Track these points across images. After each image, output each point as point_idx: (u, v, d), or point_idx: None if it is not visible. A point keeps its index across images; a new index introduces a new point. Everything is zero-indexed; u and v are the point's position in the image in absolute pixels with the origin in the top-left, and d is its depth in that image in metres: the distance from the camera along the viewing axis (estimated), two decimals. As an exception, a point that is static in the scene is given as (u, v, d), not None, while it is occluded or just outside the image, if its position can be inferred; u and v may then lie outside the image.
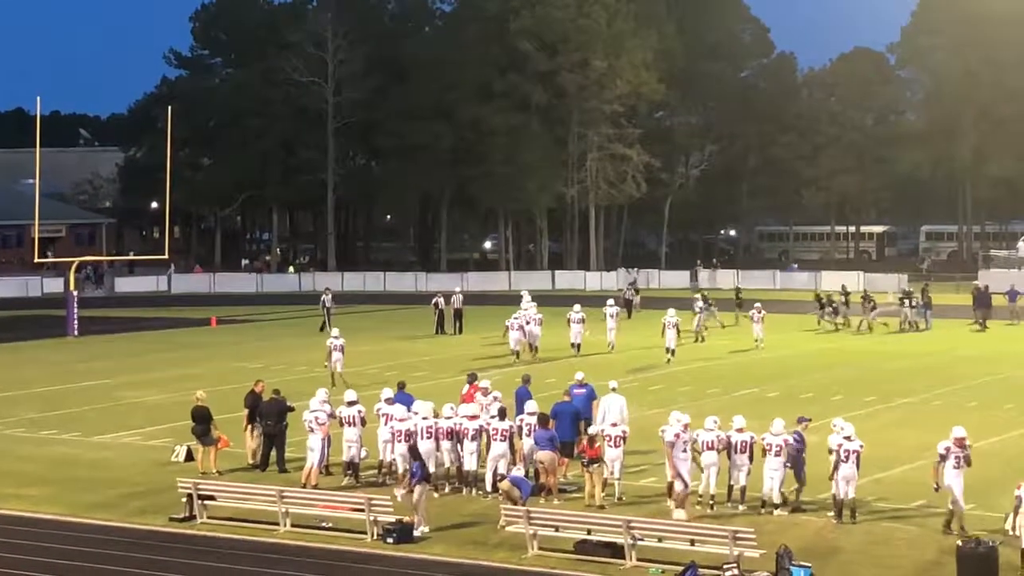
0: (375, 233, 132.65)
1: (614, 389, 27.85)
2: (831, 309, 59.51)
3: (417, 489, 23.28)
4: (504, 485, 24.46)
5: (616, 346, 51.07)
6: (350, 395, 27.54)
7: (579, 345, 49.50)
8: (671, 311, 48.45)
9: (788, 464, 24.20)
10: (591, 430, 25.73)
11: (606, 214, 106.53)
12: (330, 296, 60.86)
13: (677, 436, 24.06)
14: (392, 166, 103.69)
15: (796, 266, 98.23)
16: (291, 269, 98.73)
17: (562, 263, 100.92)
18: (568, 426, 26.92)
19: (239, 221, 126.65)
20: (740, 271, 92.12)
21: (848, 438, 23.54)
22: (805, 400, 37.50)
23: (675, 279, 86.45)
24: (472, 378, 30.48)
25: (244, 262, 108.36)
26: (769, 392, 39.48)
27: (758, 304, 54.02)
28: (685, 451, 24.03)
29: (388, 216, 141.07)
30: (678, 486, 23.94)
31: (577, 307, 50.91)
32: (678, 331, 48.09)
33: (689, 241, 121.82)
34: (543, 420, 25.83)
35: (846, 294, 61.60)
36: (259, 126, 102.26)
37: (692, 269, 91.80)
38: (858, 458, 23.47)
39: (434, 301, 59.56)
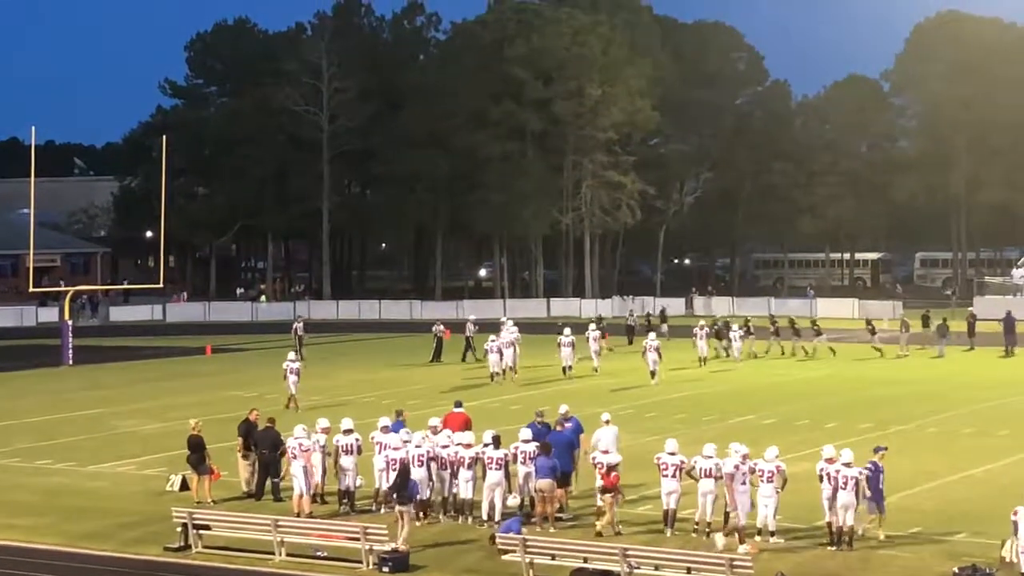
0: (370, 261, 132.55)
1: (607, 421, 27.73)
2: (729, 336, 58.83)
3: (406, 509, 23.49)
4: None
5: (601, 370, 52.16)
6: (347, 423, 27.53)
7: (569, 368, 51.00)
8: (652, 335, 50.82)
9: (780, 490, 24.12)
10: (602, 459, 25.39)
11: (601, 241, 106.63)
12: (301, 324, 61.71)
13: (736, 468, 23.88)
14: (387, 194, 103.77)
15: (812, 292, 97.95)
16: (263, 299, 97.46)
17: (557, 290, 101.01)
18: (565, 457, 26.69)
19: (234, 249, 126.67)
20: (735, 298, 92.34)
21: (847, 464, 23.50)
22: (800, 427, 37.53)
23: (670, 306, 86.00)
24: (458, 404, 30.44)
25: (239, 291, 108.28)
26: (765, 419, 39.47)
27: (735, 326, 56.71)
28: (744, 483, 23.81)
29: (383, 244, 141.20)
30: (736, 519, 23.71)
31: (567, 331, 52.28)
32: (659, 354, 49.08)
33: (684, 268, 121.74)
34: (545, 448, 25.83)
35: (746, 326, 60.61)
36: (254, 155, 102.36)
37: (687, 296, 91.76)
38: (857, 485, 23.46)
39: (434, 329, 59.81)
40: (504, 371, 49.90)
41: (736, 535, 23.52)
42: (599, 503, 25.11)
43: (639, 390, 47.31)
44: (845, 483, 23.44)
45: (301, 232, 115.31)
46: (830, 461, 23.71)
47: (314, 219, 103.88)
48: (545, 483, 25.42)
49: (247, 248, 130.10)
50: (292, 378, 43.28)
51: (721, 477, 24.36)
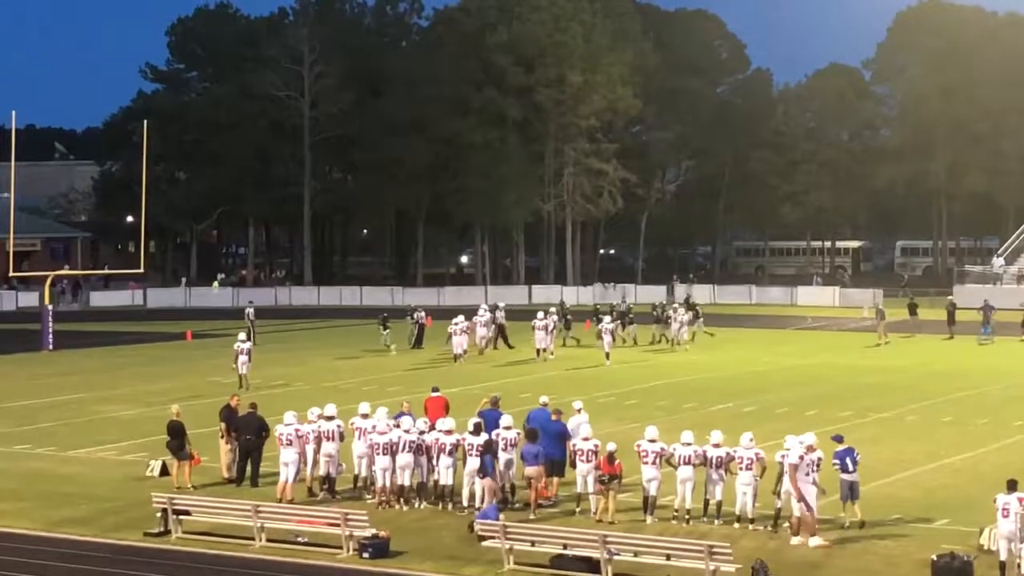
0: (351, 247, 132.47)
1: (579, 410, 27.83)
2: (568, 322, 59.97)
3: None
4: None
5: (578, 356, 54.05)
6: (330, 409, 27.51)
7: (542, 351, 53.00)
8: (607, 319, 54.10)
9: (759, 478, 24.17)
10: (584, 445, 25.30)
11: (583, 229, 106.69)
12: (252, 310, 62.37)
13: (801, 459, 23.33)
14: (368, 180, 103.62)
15: (820, 280, 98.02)
16: (215, 286, 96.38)
17: (539, 277, 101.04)
18: (555, 444, 26.50)
19: (215, 235, 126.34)
20: (716, 286, 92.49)
21: (811, 447, 23.43)
22: (780, 415, 37.60)
23: (652, 294, 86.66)
24: (435, 389, 30.52)
25: (220, 276, 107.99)
26: (745, 407, 39.54)
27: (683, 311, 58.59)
28: (808, 474, 23.26)
29: (365, 230, 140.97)
30: (800, 511, 23.23)
31: (541, 314, 54.25)
32: (613, 337, 52.94)
33: (666, 256, 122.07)
34: (531, 435, 25.80)
35: (612, 310, 61.91)
36: (235, 140, 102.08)
37: (669, 284, 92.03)
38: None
39: (415, 315, 59.87)
40: (483, 351, 54.51)
41: (800, 529, 23.19)
42: (590, 490, 25.10)
43: (620, 377, 47.41)
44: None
45: (282, 218, 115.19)
46: (810, 449, 23.60)
47: (295, 205, 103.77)
48: (533, 470, 25.40)
49: (228, 234, 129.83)
50: (242, 359, 44.41)
51: (701, 464, 24.44)
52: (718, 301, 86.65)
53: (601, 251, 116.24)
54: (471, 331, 54.27)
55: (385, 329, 57.29)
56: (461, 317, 53.72)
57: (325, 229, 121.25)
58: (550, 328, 53.79)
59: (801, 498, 23.13)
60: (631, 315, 61.44)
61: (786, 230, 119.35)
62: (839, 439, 25.17)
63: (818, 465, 23.38)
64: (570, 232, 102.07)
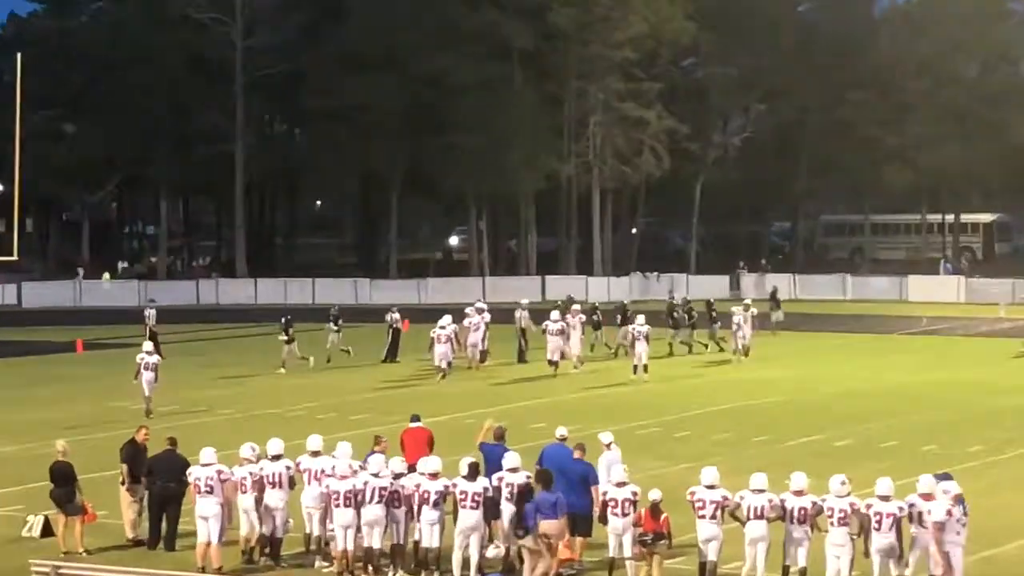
0: (300, 227, 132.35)
1: (610, 445, 27.98)
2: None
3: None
4: None
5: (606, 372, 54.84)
6: (275, 446, 27.49)
7: (557, 363, 54.13)
8: (640, 318, 53.51)
9: (855, 536, 24.04)
10: (618, 493, 25.34)
11: (615, 200, 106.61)
12: (154, 311, 63.61)
13: (949, 513, 23.41)
14: (323, 135, 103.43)
15: (951, 266, 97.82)
16: (106, 277, 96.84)
17: (555, 266, 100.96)
18: (579, 492, 26.35)
19: (115, 210, 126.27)
20: (798, 276, 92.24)
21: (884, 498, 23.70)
22: (885, 451, 37.62)
23: (710, 286, 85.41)
24: (415, 419, 30.58)
25: (121, 265, 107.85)
26: (837, 440, 39.52)
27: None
28: (959, 533, 23.41)
29: (318, 203, 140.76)
30: None
31: (555, 315, 54.97)
32: (648, 341, 53.05)
33: (729, 235, 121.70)
34: (546, 479, 25.65)
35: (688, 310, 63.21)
36: (142, 81, 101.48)
37: (733, 273, 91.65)
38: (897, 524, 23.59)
39: (389, 318, 60.37)
40: (477, 361, 55.76)
41: None
42: (627, 553, 25.05)
43: (665, 400, 47.62)
44: (879, 522, 23.66)
45: (206, 187, 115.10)
46: (926, 497, 23.74)
47: (224, 168, 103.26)
48: (551, 526, 25.12)
49: (132, 208, 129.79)
50: (147, 376, 44.87)
51: (777, 518, 24.32)
52: (800, 296, 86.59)
53: (640, 229, 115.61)
54: (462, 336, 55.19)
55: (336, 328, 58.42)
56: (448, 318, 54.28)
57: (264, 202, 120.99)
58: (576, 328, 55.18)
59: (948, 566, 23.20)
60: (693, 313, 61.95)
61: (893, 200, 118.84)
62: (945, 477, 24.84)
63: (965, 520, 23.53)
64: (598, 204, 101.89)
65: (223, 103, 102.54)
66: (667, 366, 55.78)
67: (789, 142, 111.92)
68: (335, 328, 58.73)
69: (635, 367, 52.68)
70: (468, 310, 57.60)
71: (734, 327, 58.24)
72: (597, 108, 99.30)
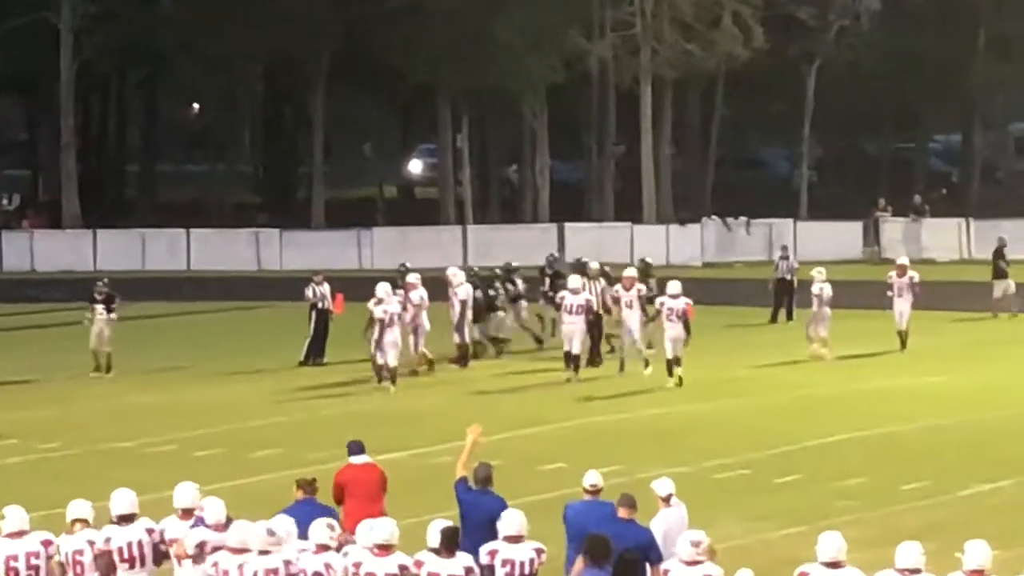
0: (167, 146, 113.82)
1: (669, 498, 22.99)
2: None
3: None
4: None
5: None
6: (124, 502, 22.57)
7: (578, 358, 45.85)
8: (674, 285, 45.71)
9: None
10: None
11: (676, 99, 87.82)
12: None
13: None
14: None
15: None
16: None
17: (579, 208, 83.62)
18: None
19: None
20: (973, 221, 76.19)
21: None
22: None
23: (829, 237, 73.86)
24: (356, 450, 25.53)
25: None
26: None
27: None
28: None
29: (195, 107, 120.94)
30: None
31: (575, 280, 47.51)
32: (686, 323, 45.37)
33: (860, 158, 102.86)
34: (599, 550, 20.74)
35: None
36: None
37: (869, 218, 76.49)
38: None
39: (310, 293, 50.41)
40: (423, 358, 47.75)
41: None
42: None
43: (758, 423, 40.19)
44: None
45: (18, 83, 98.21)
46: None
47: (45, 53, 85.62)
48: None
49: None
50: None
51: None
52: (975, 254, 72.10)
53: (717, 148, 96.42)
54: (413, 317, 46.69)
55: (107, 313, 47.79)
56: (385, 286, 45.70)
57: (108, 105, 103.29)
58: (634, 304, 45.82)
59: None
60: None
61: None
62: None
63: None
64: (649, 107, 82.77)
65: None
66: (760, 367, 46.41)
67: (952, 11, 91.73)
68: (104, 314, 48.06)
69: (668, 365, 44.31)
70: (452, 271, 49.95)
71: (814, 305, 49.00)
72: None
